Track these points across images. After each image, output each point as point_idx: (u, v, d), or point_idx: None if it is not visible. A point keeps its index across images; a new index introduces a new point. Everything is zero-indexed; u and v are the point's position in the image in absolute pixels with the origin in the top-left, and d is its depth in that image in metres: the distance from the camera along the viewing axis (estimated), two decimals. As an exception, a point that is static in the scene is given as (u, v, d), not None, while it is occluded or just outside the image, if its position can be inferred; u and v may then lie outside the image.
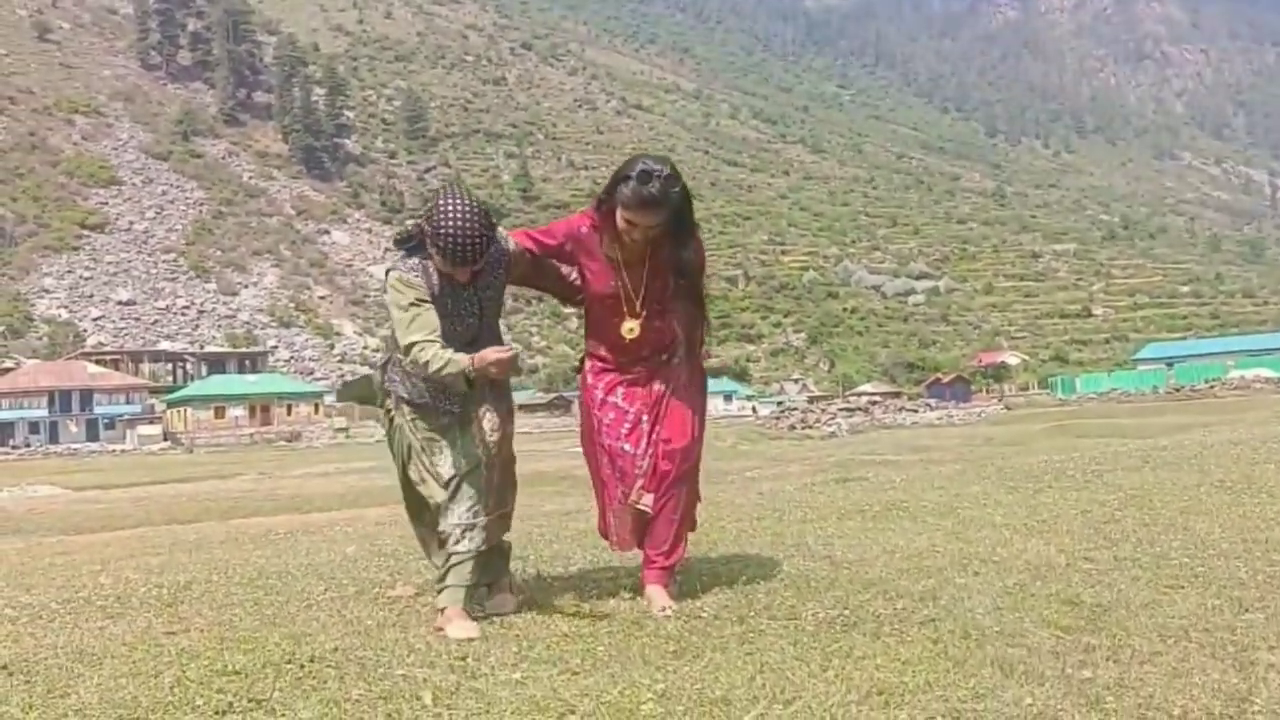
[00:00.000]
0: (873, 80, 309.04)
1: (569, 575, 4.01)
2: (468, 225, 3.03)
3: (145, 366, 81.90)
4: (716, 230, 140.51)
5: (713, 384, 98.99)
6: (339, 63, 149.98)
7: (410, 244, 3.23)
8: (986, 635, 2.78)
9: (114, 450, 60.08)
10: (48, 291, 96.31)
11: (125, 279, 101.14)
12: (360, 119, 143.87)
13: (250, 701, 2.44)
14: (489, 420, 3.30)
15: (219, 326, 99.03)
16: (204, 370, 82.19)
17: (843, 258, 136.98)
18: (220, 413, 69.96)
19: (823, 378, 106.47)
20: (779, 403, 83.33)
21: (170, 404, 72.76)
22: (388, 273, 3.24)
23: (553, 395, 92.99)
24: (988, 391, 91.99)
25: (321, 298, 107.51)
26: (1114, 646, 2.65)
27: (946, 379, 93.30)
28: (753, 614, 3.10)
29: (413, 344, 3.09)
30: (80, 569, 5.62)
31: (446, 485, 3.23)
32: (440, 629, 3.07)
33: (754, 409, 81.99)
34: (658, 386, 3.40)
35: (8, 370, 73.71)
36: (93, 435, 68.08)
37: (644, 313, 3.35)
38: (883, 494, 6.30)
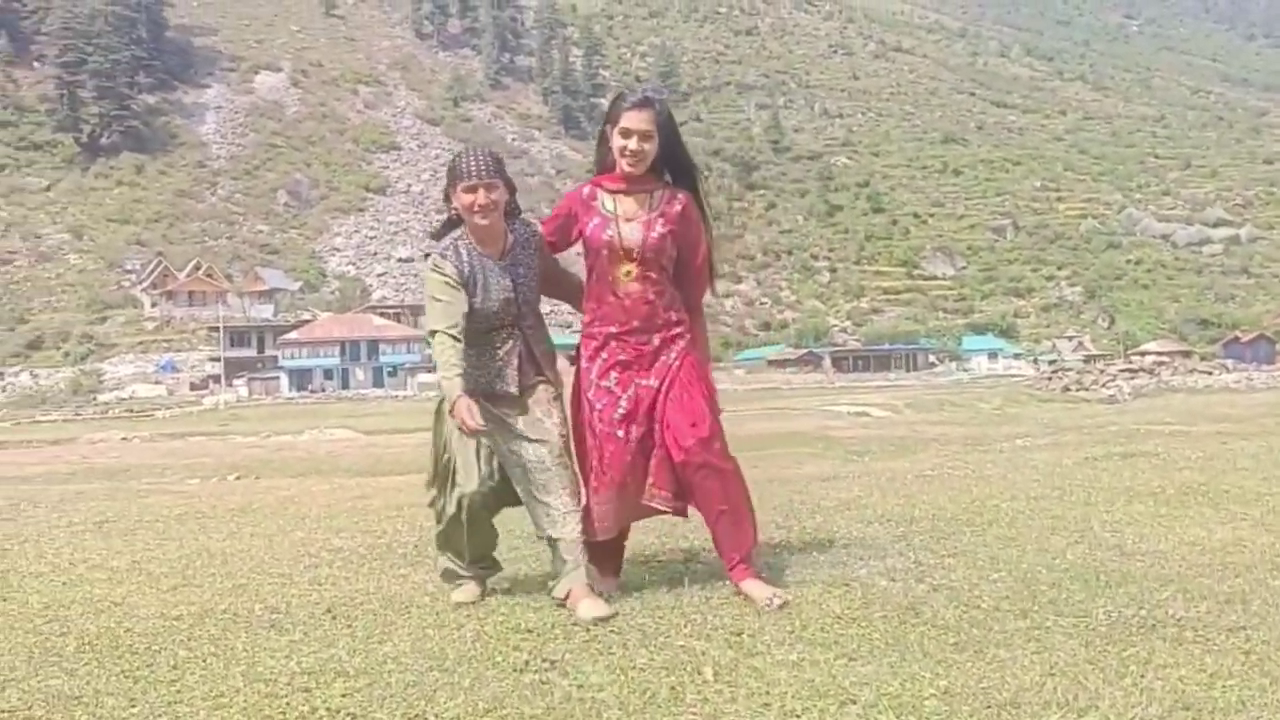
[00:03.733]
0: (1164, 8, 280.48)
1: (834, 549, 3.95)
2: (469, 150, 3.33)
3: (423, 319, 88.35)
4: (983, 177, 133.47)
5: (977, 341, 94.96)
6: (595, 22, 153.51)
7: (444, 234, 3.40)
8: (1309, 650, 2.52)
9: (397, 396, 65.53)
10: (338, 250, 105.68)
11: (404, 238, 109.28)
12: (615, 77, 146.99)
13: (544, 661, 2.60)
14: (550, 418, 3.31)
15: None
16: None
17: (1127, 204, 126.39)
18: (490, 363, 74.44)
19: (1101, 335, 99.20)
20: (1051, 362, 78.64)
21: (446, 354, 78.25)
22: (428, 259, 3.39)
23: (803, 350, 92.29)
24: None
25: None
26: None
27: (1247, 337, 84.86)
28: (1037, 608, 2.95)
29: (434, 333, 3.21)
30: (379, 513, 6.13)
31: (529, 471, 3.26)
32: (572, 610, 3.07)
33: (1037, 360, 77.79)
34: (652, 381, 3.31)
35: (305, 322, 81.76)
36: (378, 382, 74.45)
37: (640, 258, 3.31)
38: (1176, 473, 5.81)
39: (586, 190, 3.45)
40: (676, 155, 3.42)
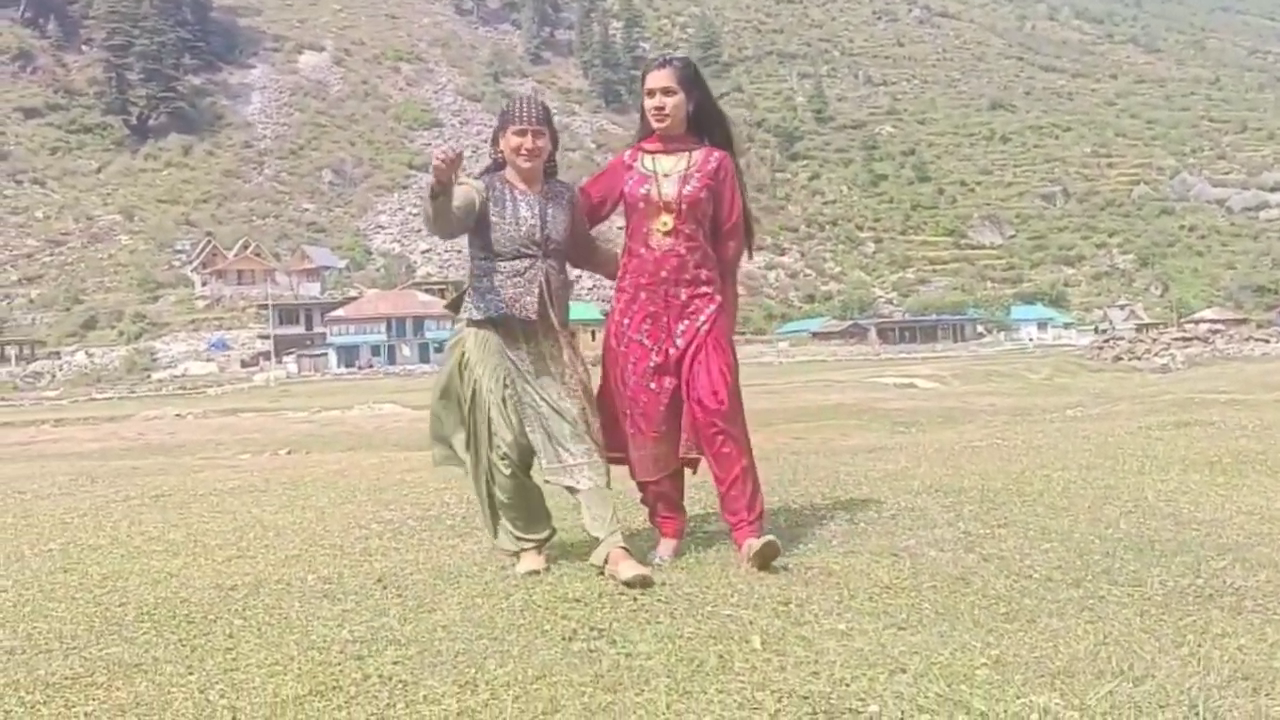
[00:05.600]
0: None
1: (882, 520, 3.93)
2: (523, 97, 3.50)
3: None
4: (1031, 143, 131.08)
5: (1026, 311, 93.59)
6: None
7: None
8: (1375, 619, 2.46)
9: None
10: (383, 228, 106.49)
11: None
12: (656, 49, 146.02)
13: (592, 630, 2.61)
14: (574, 371, 3.39)
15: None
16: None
17: (1180, 169, 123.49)
18: (534, 337, 74.81)
19: (1154, 303, 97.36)
20: (1102, 330, 77.42)
21: (488, 330, 78.71)
22: None
23: (848, 322, 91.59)
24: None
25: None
26: None
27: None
28: (1090, 578, 2.91)
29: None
30: (427, 486, 6.18)
31: (545, 422, 3.32)
32: (612, 575, 3.11)
33: (1097, 328, 76.53)
34: (679, 342, 3.41)
35: (352, 299, 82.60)
36: (424, 357, 75.09)
37: (679, 209, 3.42)
38: (1232, 441, 5.70)
39: (628, 154, 3.60)
40: (707, 111, 3.54)
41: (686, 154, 3.50)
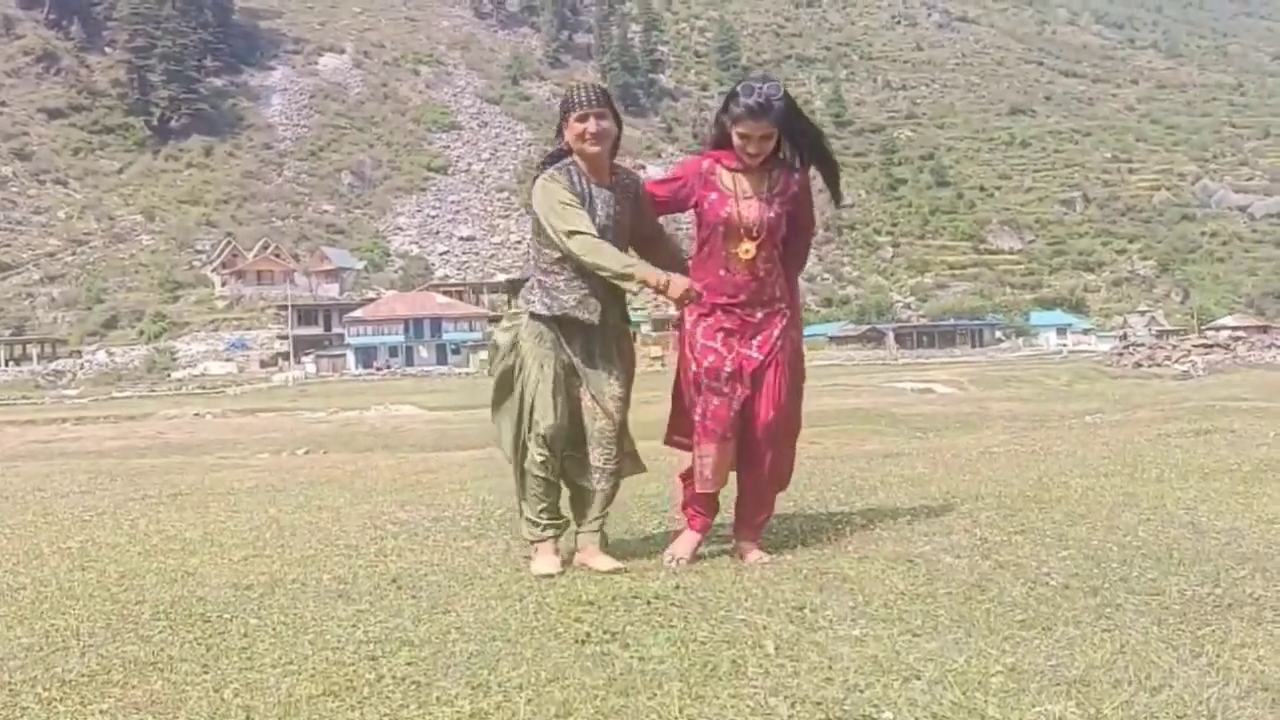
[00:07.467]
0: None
1: (897, 525, 3.91)
2: (580, 84, 3.53)
3: (485, 297, 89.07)
4: (1051, 149, 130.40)
5: (1045, 317, 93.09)
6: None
7: (551, 163, 3.47)
8: (1398, 631, 2.43)
9: (459, 373, 66.25)
10: (401, 229, 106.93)
11: (465, 216, 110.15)
12: (674, 53, 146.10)
13: (605, 633, 2.61)
14: (611, 388, 3.45)
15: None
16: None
17: (1202, 175, 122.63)
18: (549, 340, 74.92)
19: (1174, 310, 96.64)
20: (1122, 336, 76.93)
21: (507, 331, 78.86)
22: (534, 181, 3.47)
23: (865, 327, 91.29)
24: (1379, 326, 79.67)
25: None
26: None
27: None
28: (1107, 586, 2.88)
29: (575, 231, 3.28)
30: (442, 487, 6.20)
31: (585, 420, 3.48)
32: (584, 564, 3.41)
33: (1124, 335, 76.17)
34: (755, 353, 3.42)
35: (370, 300, 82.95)
36: (441, 359, 75.39)
37: (760, 237, 3.39)
38: (1253, 450, 5.64)
39: (705, 164, 3.50)
40: (798, 134, 3.48)
41: (766, 173, 3.44)
